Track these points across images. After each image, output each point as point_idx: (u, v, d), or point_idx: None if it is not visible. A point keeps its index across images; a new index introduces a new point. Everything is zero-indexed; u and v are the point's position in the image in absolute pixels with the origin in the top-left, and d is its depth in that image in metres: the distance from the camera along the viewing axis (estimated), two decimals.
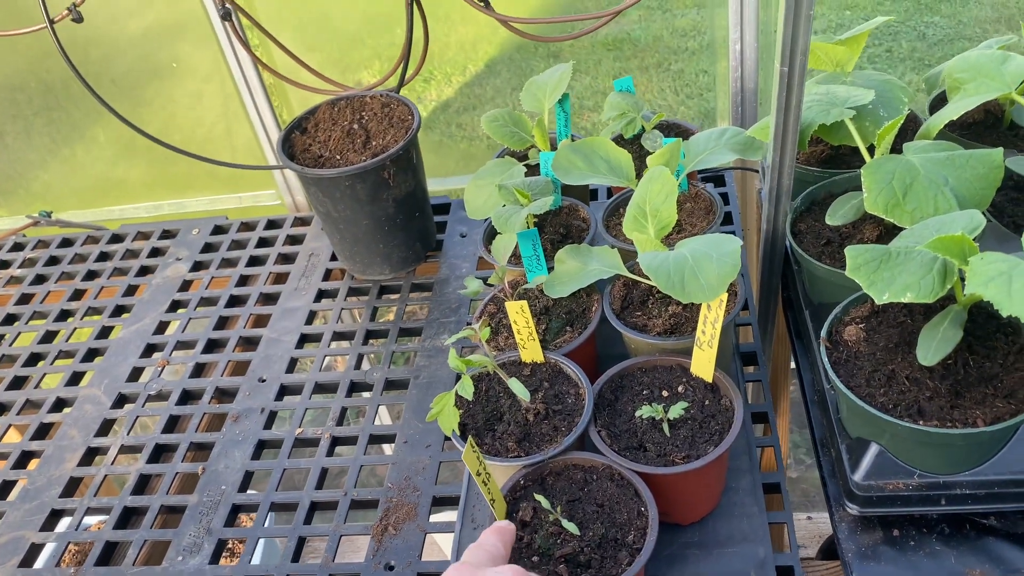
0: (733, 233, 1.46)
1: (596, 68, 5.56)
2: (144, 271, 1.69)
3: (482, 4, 1.38)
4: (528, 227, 1.19)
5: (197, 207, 1.95)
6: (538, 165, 1.40)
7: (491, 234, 1.33)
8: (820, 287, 1.14)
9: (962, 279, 0.89)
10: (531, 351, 1.09)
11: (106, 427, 1.37)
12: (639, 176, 1.23)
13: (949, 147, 1.04)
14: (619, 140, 1.41)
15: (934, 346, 0.90)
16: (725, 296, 0.97)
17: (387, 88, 1.55)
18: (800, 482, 2.61)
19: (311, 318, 1.49)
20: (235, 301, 1.56)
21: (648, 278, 1.02)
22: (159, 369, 1.45)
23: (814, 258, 1.12)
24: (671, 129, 1.44)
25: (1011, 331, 0.95)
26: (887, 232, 1.11)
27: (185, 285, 1.62)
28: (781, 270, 1.25)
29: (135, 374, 1.45)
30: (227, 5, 1.45)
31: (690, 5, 5.56)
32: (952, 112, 1.05)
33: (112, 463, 1.30)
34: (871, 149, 1.12)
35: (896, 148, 1.08)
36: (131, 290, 1.65)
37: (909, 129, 1.28)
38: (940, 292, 0.87)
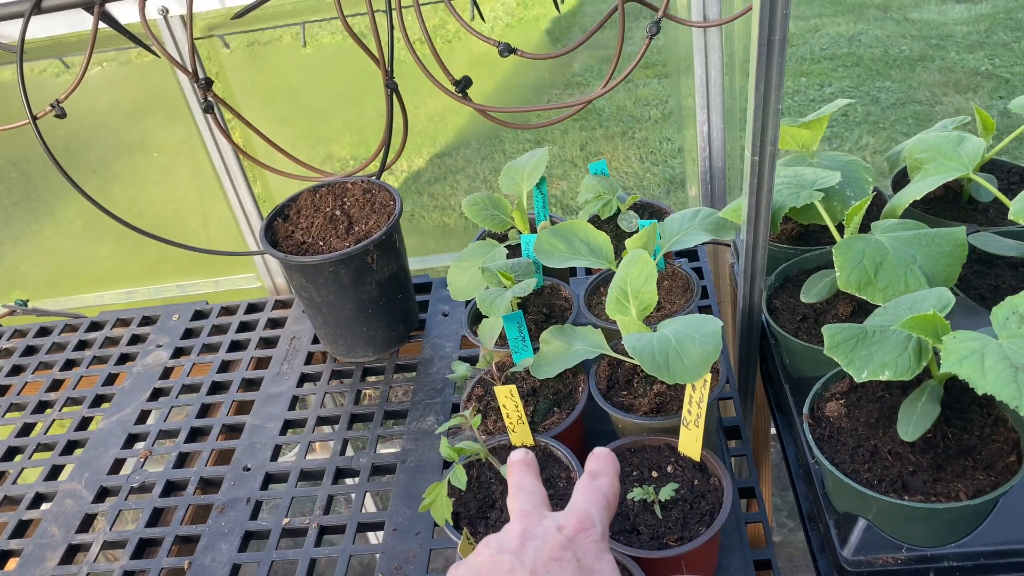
0: (709, 307, 1.50)
1: (563, 138, 5.68)
2: (124, 359, 1.68)
3: (460, 96, 1.42)
4: (513, 309, 1.21)
5: (177, 292, 1.96)
6: (518, 245, 1.43)
7: (476, 316, 1.35)
8: (798, 362, 1.17)
9: (936, 356, 0.92)
10: (520, 434, 1.10)
11: (87, 522, 1.34)
12: (618, 256, 1.26)
13: (915, 225, 1.09)
14: (596, 220, 1.45)
15: (914, 422, 0.92)
16: (709, 376, 0.99)
17: (367, 174, 1.58)
18: (784, 546, 2.61)
19: (294, 403, 1.49)
20: (217, 388, 1.56)
21: (632, 357, 1.04)
22: (141, 460, 1.43)
23: (791, 334, 1.15)
24: (645, 208, 1.49)
25: (985, 403, 0.98)
26: (859, 307, 1.15)
27: (166, 372, 1.61)
28: (759, 344, 1.29)
29: (117, 466, 1.44)
30: (209, 99, 1.48)
31: (651, 76, 5.73)
32: (916, 192, 1.11)
33: (95, 560, 1.28)
34: (840, 227, 1.16)
35: (864, 225, 1.13)
36: (111, 379, 1.63)
37: (875, 205, 1.33)
38: (916, 370, 0.90)
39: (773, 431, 1.31)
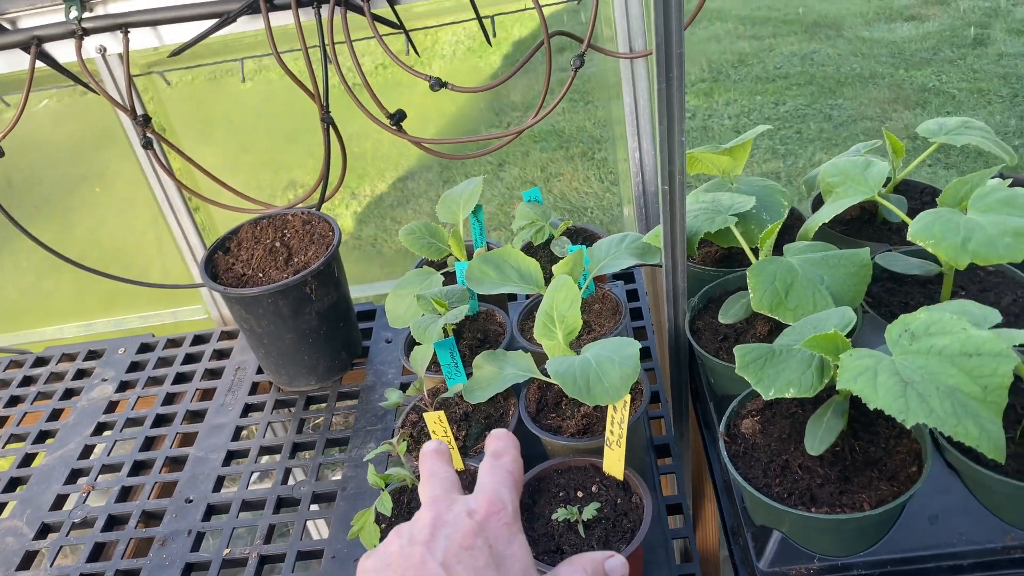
0: (644, 328, 1.54)
1: (524, 159, 5.75)
2: (69, 394, 1.69)
3: (395, 128, 1.46)
4: (447, 336, 1.24)
5: (126, 325, 1.96)
6: (455, 273, 1.47)
7: (411, 343, 1.38)
8: (721, 381, 1.22)
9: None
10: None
11: (28, 560, 1.34)
12: (548, 282, 1.30)
13: (824, 247, 1.14)
14: (530, 247, 1.49)
15: (819, 436, 0.97)
16: (629, 397, 1.03)
17: (308, 205, 1.61)
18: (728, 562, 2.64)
19: (238, 434, 1.50)
20: (162, 420, 1.57)
21: None
22: (84, 495, 1.43)
23: (712, 354, 1.19)
24: (578, 234, 1.53)
25: (890, 416, 1.02)
26: (776, 327, 1.19)
27: (111, 406, 1.62)
28: (688, 364, 1.32)
29: (59, 502, 1.44)
30: (148, 135, 1.50)
31: (612, 96, 5.83)
32: (824, 216, 1.16)
33: None
34: (756, 251, 1.21)
35: (781, 247, 1.18)
36: (55, 414, 1.64)
37: (795, 226, 1.38)
38: (819, 387, 0.94)
39: None
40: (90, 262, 1.65)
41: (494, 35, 1.52)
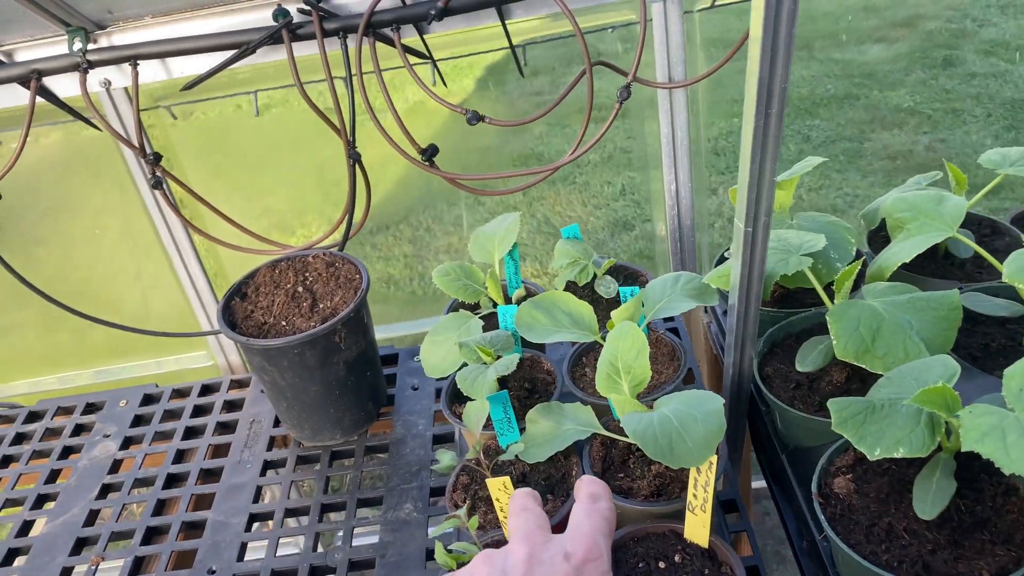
0: (690, 369, 1.46)
1: (504, 183, 5.68)
2: (68, 452, 1.56)
3: (427, 164, 1.37)
4: (497, 389, 1.15)
5: (122, 375, 1.83)
6: (492, 314, 1.38)
7: (454, 394, 1.29)
8: (794, 431, 1.14)
9: (947, 429, 0.90)
10: None
11: None
12: (600, 326, 1.22)
13: (906, 289, 1.08)
14: (572, 287, 1.40)
15: (930, 499, 0.89)
16: (715, 458, 0.95)
17: (328, 245, 1.52)
18: None
19: (259, 494, 1.39)
20: (173, 480, 1.45)
21: (626, 435, 1.00)
22: (93, 568, 1.31)
23: (786, 403, 1.11)
24: (619, 272, 1.45)
25: (994, 471, 0.95)
26: (854, 372, 1.12)
27: (116, 465, 1.50)
28: (747, 412, 1.25)
29: (65, 575, 1.31)
30: (158, 174, 1.40)
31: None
32: (904, 255, 1.09)
33: None
34: (827, 290, 1.14)
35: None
36: (54, 475, 1.51)
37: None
38: (931, 446, 0.87)
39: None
40: (85, 306, 1.53)
41: (525, 64, 1.44)
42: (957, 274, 1.27)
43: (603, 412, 1.17)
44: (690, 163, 1.51)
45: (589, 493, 0.79)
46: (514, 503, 0.79)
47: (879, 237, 1.36)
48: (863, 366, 1.02)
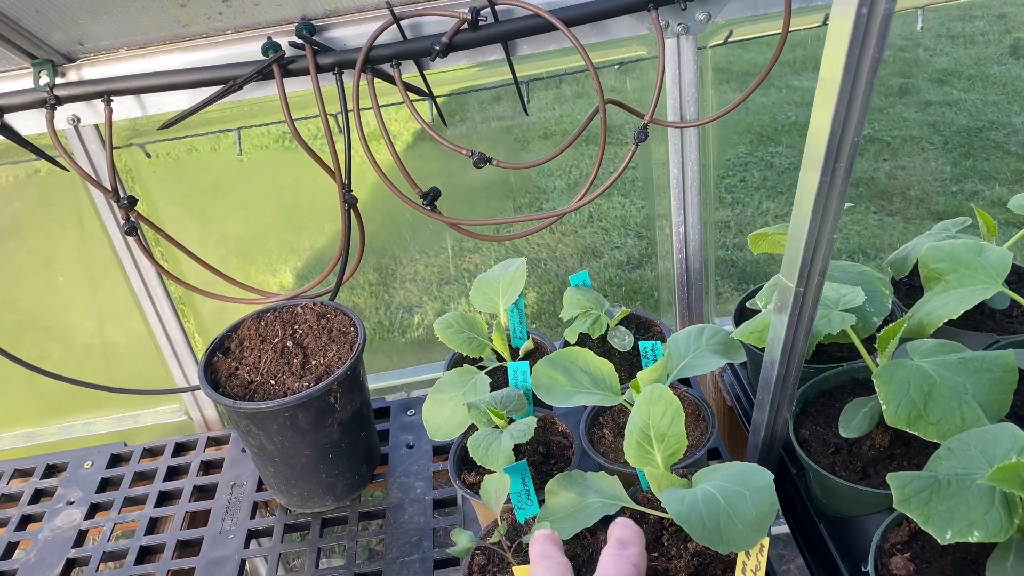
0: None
1: (471, 210, 5.60)
2: (26, 521, 1.41)
3: (428, 209, 1.28)
4: (514, 459, 1.06)
5: (86, 431, 1.69)
6: (498, 368, 1.29)
7: (461, 458, 1.19)
8: (834, 499, 1.07)
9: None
10: None
11: None
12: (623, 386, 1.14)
13: (954, 347, 1.01)
14: (584, 339, 1.32)
15: None
16: (767, 540, 0.86)
17: (315, 294, 1.41)
18: None
19: (243, 569, 1.27)
20: (147, 554, 1.32)
21: (658, 508, 0.92)
22: None
23: (827, 470, 1.04)
24: (631, 321, 1.37)
25: None
26: (897, 436, 1.05)
27: (81, 537, 1.36)
28: (776, 474, 1.17)
29: None
30: (132, 219, 1.28)
31: (551, 146, 5.76)
32: (951, 311, 1.03)
33: None
34: (867, 346, 1.07)
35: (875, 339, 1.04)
36: (11, 549, 1.37)
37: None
38: (1010, 529, 0.80)
39: None
40: (47, 355, 1.40)
41: (528, 101, 1.36)
42: (989, 324, 1.22)
43: (629, 480, 1.08)
44: (700, 205, 1.44)
45: (619, 538, 0.77)
46: (534, 550, 0.78)
47: (904, 284, 1.31)
48: (916, 433, 0.95)
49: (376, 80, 1.24)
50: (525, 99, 1.35)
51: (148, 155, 1.46)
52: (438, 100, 1.33)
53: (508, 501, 1.05)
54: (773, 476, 0.91)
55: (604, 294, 1.37)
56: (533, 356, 1.33)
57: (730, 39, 1.35)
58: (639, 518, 1.04)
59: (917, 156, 5.30)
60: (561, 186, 5.62)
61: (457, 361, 1.35)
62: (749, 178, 5.50)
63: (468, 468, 1.17)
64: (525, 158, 5.94)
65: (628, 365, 1.30)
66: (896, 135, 5.61)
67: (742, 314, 1.33)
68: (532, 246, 5.11)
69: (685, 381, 1.47)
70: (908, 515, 0.83)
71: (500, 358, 1.31)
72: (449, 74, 1.36)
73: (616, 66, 1.45)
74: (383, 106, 1.28)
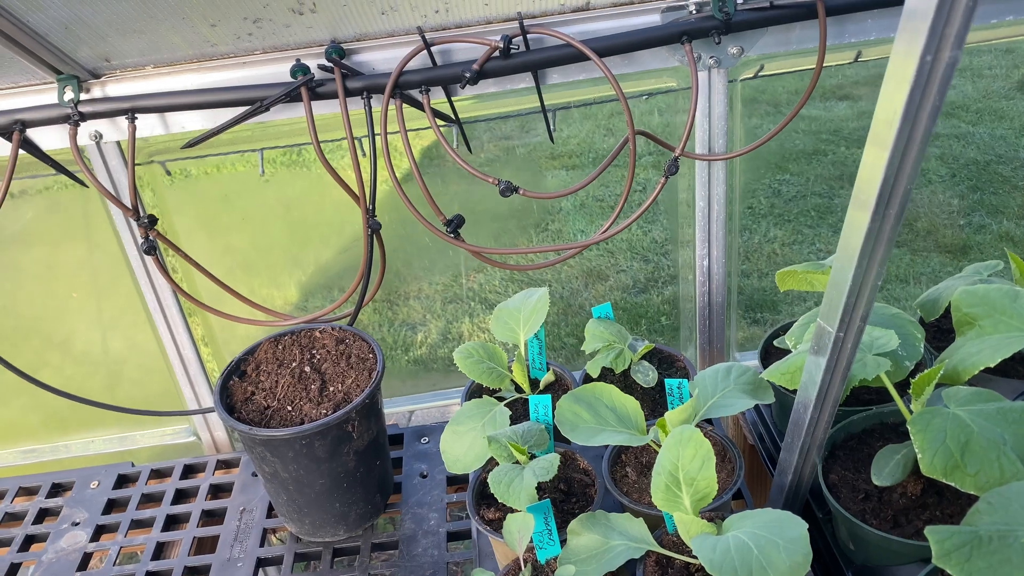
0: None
1: (477, 229, 5.58)
2: (30, 542, 1.39)
3: (452, 236, 1.26)
4: (538, 497, 1.03)
5: (92, 449, 1.66)
6: (517, 400, 1.27)
7: (480, 493, 1.16)
8: (864, 547, 1.04)
9: None
10: None
11: None
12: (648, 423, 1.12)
13: (992, 396, 0.99)
14: (607, 373, 1.30)
15: None
16: None
17: (332, 318, 1.39)
18: None
19: None
20: None
21: (685, 552, 0.90)
22: None
23: (857, 517, 1.01)
24: (654, 355, 1.35)
25: None
26: (930, 484, 1.03)
27: (86, 560, 1.33)
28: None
29: None
30: (151, 238, 1.26)
31: (558, 167, 5.77)
32: (988, 358, 1.01)
33: None
34: (900, 390, 1.05)
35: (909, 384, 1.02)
36: (13, 570, 1.34)
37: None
38: None
39: None
40: (55, 371, 1.37)
41: (555, 128, 1.35)
42: (1020, 370, 1.20)
43: (654, 521, 1.06)
44: (725, 238, 1.43)
45: None
46: None
47: (932, 327, 1.29)
48: (952, 484, 0.92)
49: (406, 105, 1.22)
50: (552, 127, 1.34)
51: (168, 173, 1.44)
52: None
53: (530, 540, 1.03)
54: (807, 527, 0.88)
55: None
56: (552, 388, 1.31)
57: (760, 73, 1.34)
58: (665, 563, 1.01)
59: (924, 188, 5.30)
60: (568, 207, 5.62)
61: (475, 391, 1.33)
62: (756, 205, 5.49)
63: (487, 503, 1.15)
64: (532, 178, 5.95)
65: (651, 401, 1.28)
66: None
67: (768, 352, 1.31)
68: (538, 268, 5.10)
69: (708, 419, 1.44)
70: (948, 570, 0.81)
71: (519, 388, 1.29)
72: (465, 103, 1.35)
73: (644, 97, 1.44)
74: (398, 131, 1.27)
